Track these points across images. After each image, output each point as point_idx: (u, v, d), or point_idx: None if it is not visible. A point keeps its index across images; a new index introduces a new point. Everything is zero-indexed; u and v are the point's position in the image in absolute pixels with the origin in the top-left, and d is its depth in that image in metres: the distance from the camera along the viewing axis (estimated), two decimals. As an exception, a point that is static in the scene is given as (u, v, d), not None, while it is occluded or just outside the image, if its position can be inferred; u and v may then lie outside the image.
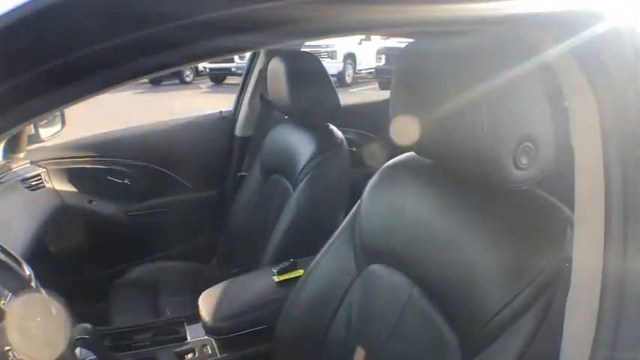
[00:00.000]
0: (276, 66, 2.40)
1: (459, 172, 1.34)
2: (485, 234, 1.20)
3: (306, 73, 2.39)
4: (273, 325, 1.75)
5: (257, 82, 3.10)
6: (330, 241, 1.67)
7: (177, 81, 17.83)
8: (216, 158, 3.21)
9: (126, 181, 3.04)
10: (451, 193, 1.34)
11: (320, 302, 1.62)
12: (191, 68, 17.75)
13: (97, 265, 2.98)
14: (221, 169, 3.22)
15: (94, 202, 2.96)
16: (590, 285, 0.96)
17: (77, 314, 2.28)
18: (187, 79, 18.02)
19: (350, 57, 16.61)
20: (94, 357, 1.82)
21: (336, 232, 1.66)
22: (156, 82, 17.76)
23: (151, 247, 3.07)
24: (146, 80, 16.95)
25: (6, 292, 1.57)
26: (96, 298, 2.68)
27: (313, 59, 2.47)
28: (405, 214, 1.42)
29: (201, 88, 17.25)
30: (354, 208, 1.63)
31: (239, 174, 3.16)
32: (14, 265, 1.92)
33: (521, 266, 1.13)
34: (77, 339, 1.72)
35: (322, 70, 2.42)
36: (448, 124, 1.21)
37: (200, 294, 2.02)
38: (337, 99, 2.39)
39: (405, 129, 1.33)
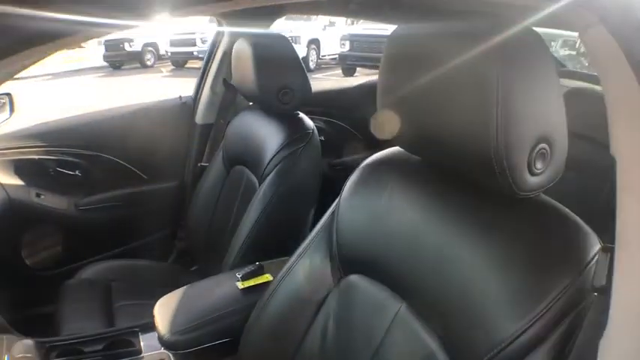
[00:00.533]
0: (242, 48, 2.20)
1: (456, 174, 1.15)
2: (490, 250, 1.02)
3: (275, 56, 2.18)
4: (238, 337, 1.57)
5: (220, 65, 2.90)
6: (304, 245, 1.48)
7: (138, 65, 17.55)
8: (175, 147, 3.00)
9: (77, 173, 2.83)
10: (447, 198, 1.15)
11: (291, 314, 1.44)
12: (152, 52, 17.58)
13: (45, 264, 2.80)
14: (180, 160, 3.02)
15: (42, 196, 2.76)
16: (636, 324, 0.79)
17: (24, 318, 2.09)
18: (148, 62, 17.79)
19: (314, 42, 16.53)
20: None
21: (311, 235, 1.48)
22: (116, 66, 17.59)
23: (103, 244, 2.88)
24: (106, 64, 17.13)
25: None
26: (44, 300, 2.51)
27: (283, 41, 2.26)
28: (389, 220, 1.23)
29: (162, 72, 16.98)
30: (332, 208, 1.44)
31: (199, 164, 2.96)
32: None
33: (535, 291, 0.95)
34: (17, 358, 1.53)
35: (293, 53, 2.21)
36: (449, 119, 1.02)
37: (157, 295, 1.83)
38: (308, 85, 2.19)
39: (394, 121, 1.14)
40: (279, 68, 2.15)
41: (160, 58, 18.04)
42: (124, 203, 2.89)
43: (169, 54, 17.49)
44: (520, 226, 1.04)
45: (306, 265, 1.44)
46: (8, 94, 2.60)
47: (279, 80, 2.13)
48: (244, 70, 2.18)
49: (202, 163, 2.94)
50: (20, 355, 1.55)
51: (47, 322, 2.19)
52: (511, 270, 0.98)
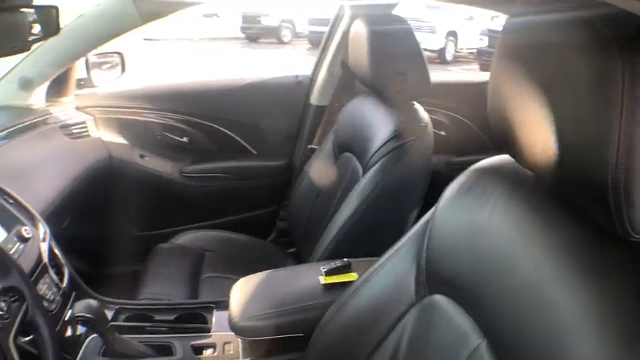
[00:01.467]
0: (359, 29, 2.06)
1: (571, 201, 0.96)
2: (591, 301, 0.84)
3: (392, 39, 2.03)
4: (310, 334, 1.46)
5: (339, 45, 2.78)
6: (393, 250, 1.33)
7: (275, 40, 17.75)
8: (287, 126, 2.94)
9: (184, 139, 2.85)
10: (554, 228, 0.96)
11: (366, 323, 1.31)
12: (289, 28, 17.72)
13: (142, 225, 2.84)
14: (291, 139, 2.96)
15: (146, 158, 2.80)
16: None
17: (110, 275, 2.08)
18: (284, 38, 17.93)
19: (452, 34, 16.16)
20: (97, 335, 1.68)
21: (402, 240, 1.33)
22: (252, 39, 17.87)
23: (203, 213, 2.88)
24: (243, 36, 17.50)
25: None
26: (135, 259, 2.53)
27: (402, 24, 2.10)
28: (486, 239, 1.06)
29: (297, 49, 17.06)
30: (428, 214, 1.28)
31: (309, 146, 2.89)
32: (24, 220, 1.75)
33: None
34: (77, 317, 1.53)
35: (412, 39, 2.06)
36: (563, 131, 0.85)
37: (248, 272, 1.79)
38: (427, 74, 2.03)
39: (504, 125, 0.99)
40: (395, 53, 2.00)
41: (296, 35, 18.15)
42: (230, 175, 2.87)
43: (307, 32, 17.53)
44: (630, 277, 0.85)
45: (390, 273, 1.31)
46: (120, 53, 2.62)
47: (394, 66, 1.99)
48: (359, 53, 2.06)
49: (312, 146, 2.87)
50: (80, 314, 1.52)
51: (131, 282, 2.19)
52: (611, 333, 0.80)
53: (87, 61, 2.64)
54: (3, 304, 1.25)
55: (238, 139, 2.89)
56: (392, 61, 1.99)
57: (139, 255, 2.48)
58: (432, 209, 1.26)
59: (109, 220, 2.72)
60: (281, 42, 17.81)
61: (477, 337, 1.02)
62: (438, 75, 2.03)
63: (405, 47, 2.03)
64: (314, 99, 2.89)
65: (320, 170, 2.41)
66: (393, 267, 1.30)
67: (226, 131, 2.87)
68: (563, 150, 0.85)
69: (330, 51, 2.83)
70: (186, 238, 2.56)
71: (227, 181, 2.87)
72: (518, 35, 0.98)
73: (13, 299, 1.28)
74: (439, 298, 1.15)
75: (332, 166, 2.34)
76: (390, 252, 1.34)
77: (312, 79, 2.92)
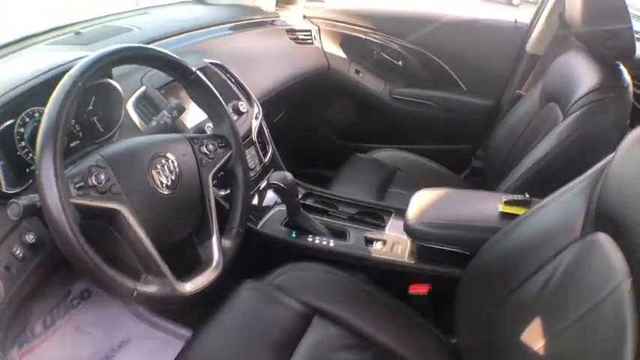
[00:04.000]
0: None
1: None
2: None
3: (607, 1, 1.87)
4: (474, 254, 1.41)
5: None
6: (567, 186, 1.26)
7: (503, 1, 16.92)
8: (499, 68, 2.78)
9: (399, 63, 2.82)
10: None
11: (528, 251, 1.25)
12: (518, -7, 16.78)
13: (343, 135, 2.91)
14: (500, 81, 2.80)
15: (360, 74, 2.82)
16: None
17: (304, 173, 2.15)
18: (514, 1, 16.99)
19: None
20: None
21: (577, 179, 1.24)
22: (480, -5, 17.17)
23: (404, 135, 2.87)
24: (473, -11, 16.84)
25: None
26: (330, 164, 2.60)
27: None
28: None
29: (524, 13, 16.16)
30: (608, 157, 1.18)
31: (517, 92, 2.72)
32: (241, 97, 1.86)
33: None
34: (272, 183, 1.62)
35: (624, 5, 1.87)
36: None
37: None
38: (634, 39, 1.85)
39: None
40: (608, 13, 1.85)
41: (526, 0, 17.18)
42: (437, 105, 2.81)
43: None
44: None
45: (561, 207, 1.24)
46: None
47: (606, 24, 1.84)
48: (575, 8, 1.91)
49: (521, 91, 2.71)
50: (275, 182, 1.61)
51: (322, 183, 2.22)
52: None
53: None
54: (211, 147, 1.33)
55: (451, 72, 2.81)
56: (605, 19, 1.85)
57: (334, 161, 2.52)
58: (613, 153, 1.17)
59: (316, 124, 2.80)
60: (509, 4, 16.96)
61: (622, 274, 0.95)
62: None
63: (616, 10, 1.86)
64: (529, 47, 2.71)
65: (524, 116, 2.29)
66: (565, 202, 1.23)
67: (441, 62, 2.79)
68: None
69: (550, 2, 2.62)
70: (383, 154, 2.56)
71: (433, 109, 2.80)
72: None
73: (220, 145, 1.36)
74: (602, 237, 1.07)
75: (536, 114, 2.22)
76: (564, 188, 1.27)
77: (529, 27, 2.74)
